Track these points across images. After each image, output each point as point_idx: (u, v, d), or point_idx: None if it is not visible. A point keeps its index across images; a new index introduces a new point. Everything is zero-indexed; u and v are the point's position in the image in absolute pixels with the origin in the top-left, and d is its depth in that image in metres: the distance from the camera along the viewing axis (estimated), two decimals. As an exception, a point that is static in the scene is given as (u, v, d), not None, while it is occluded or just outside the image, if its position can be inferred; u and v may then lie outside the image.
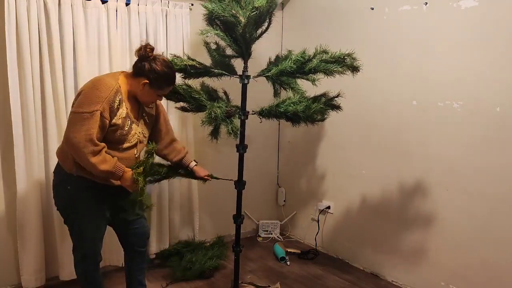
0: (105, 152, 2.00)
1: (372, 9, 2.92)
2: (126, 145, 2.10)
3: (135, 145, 2.14)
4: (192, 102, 2.42)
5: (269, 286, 2.85)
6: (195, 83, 2.60)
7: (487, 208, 2.43)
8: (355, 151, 3.13)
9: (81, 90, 1.99)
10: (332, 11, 3.21)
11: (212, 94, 2.51)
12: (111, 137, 2.03)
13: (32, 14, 2.46)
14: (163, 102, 2.96)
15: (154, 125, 2.31)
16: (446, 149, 2.58)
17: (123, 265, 3.00)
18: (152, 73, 2.03)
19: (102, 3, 2.71)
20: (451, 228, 2.60)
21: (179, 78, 2.59)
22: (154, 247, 3.14)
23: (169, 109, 3.04)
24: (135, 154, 2.15)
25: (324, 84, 2.48)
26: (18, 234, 2.60)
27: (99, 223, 2.19)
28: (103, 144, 1.98)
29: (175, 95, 2.45)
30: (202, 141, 3.25)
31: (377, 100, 2.94)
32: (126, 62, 2.85)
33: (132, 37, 2.83)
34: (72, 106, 2.00)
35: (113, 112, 1.98)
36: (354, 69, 2.32)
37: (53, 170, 2.23)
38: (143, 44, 2.06)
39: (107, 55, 2.77)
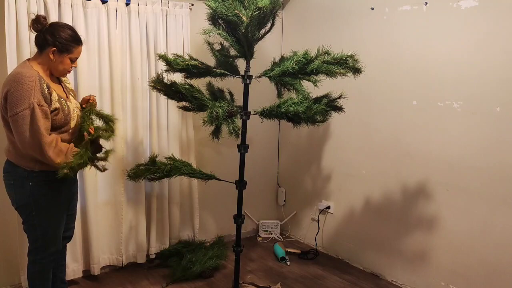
0: (60, 141, 2.02)
1: (372, 9, 2.92)
2: (72, 123, 2.13)
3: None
4: (194, 102, 2.42)
5: (269, 286, 2.85)
6: (198, 82, 2.60)
7: (487, 208, 2.43)
8: (355, 151, 3.13)
9: (6, 92, 1.95)
10: (332, 11, 3.21)
11: (216, 94, 2.52)
12: (58, 122, 2.05)
13: (32, 14, 2.45)
14: (163, 101, 2.99)
15: None
16: (446, 149, 2.58)
17: (123, 265, 3.01)
18: (58, 39, 2.03)
19: (102, 3, 2.71)
20: (451, 228, 2.60)
21: (181, 78, 2.60)
22: (154, 247, 3.13)
23: (170, 108, 3.04)
24: None
25: (323, 84, 2.48)
26: (18, 234, 2.60)
27: (61, 217, 2.19)
28: (53, 136, 2.00)
29: (177, 95, 2.45)
30: (203, 141, 3.25)
31: (377, 100, 2.95)
32: (126, 62, 2.85)
33: (132, 37, 2.83)
34: (6, 111, 1.96)
35: (47, 99, 1.99)
36: (356, 70, 2.33)
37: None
38: (33, 17, 2.05)
39: (107, 55, 2.77)
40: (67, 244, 2.42)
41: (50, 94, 2.01)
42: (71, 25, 2.59)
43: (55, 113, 2.03)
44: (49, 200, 2.11)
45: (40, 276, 2.18)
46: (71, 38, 2.07)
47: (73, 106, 2.17)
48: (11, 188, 2.11)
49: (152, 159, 2.61)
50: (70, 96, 2.20)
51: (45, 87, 1.99)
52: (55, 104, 2.03)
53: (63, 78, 2.25)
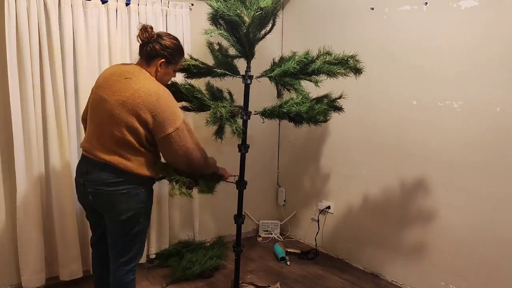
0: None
1: (372, 9, 2.92)
2: None
3: None
4: (194, 102, 2.41)
5: (269, 286, 2.85)
6: (197, 82, 2.60)
7: (487, 208, 2.43)
8: (356, 151, 3.13)
9: (152, 116, 1.91)
10: (332, 11, 3.21)
11: (216, 94, 2.51)
12: None
13: (32, 14, 2.45)
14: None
15: None
16: (446, 148, 2.59)
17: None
18: (166, 50, 2.01)
19: (102, 3, 2.71)
20: (451, 228, 2.60)
21: (181, 78, 2.60)
22: (154, 247, 3.13)
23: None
24: None
25: (323, 84, 2.48)
26: (18, 234, 2.60)
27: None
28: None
29: (177, 95, 2.45)
30: (203, 141, 3.23)
31: (377, 100, 2.95)
32: (126, 62, 2.84)
33: (132, 37, 2.83)
34: (157, 128, 1.94)
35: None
36: (357, 71, 2.33)
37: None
38: (140, 27, 2.01)
39: (107, 55, 2.76)
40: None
41: None
42: (72, 25, 2.61)
43: None
44: (150, 206, 2.17)
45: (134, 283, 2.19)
46: (179, 50, 2.08)
47: None
48: (124, 198, 1.99)
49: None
50: None
51: None
52: None
53: None
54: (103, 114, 1.96)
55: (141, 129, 1.94)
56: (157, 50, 2.00)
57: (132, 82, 1.94)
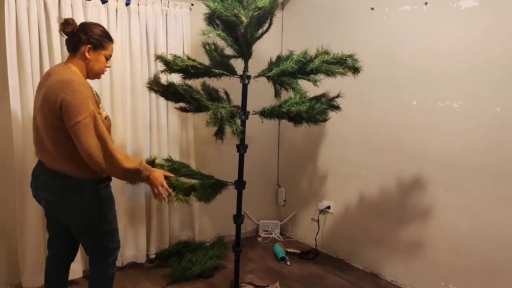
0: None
1: (372, 9, 2.92)
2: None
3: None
4: (192, 103, 2.41)
5: (268, 286, 2.85)
6: (194, 83, 2.60)
7: (487, 208, 2.43)
8: (355, 151, 3.13)
9: (60, 100, 1.85)
10: (332, 11, 3.21)
11: (212, 94, 2.51)
12: None
13: (32, 14, 2.45)
14: (163, 101, 2.98)
15: None
16: (446, 149, 2.58)
17: (123, 266, 3.01)
18: (91, 36, 2.00)
19: (102, 3, 2.71)
20: (451, 228, 2.60)
21: (178, 78, 2.60)
22: (154, 247, 3.13)
23: (170, 108, 3.04)
24: None
25: (322, 84, 2.47)
26: (18, 234, 2.60)
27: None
28: (118, 150, 1.96)
29: (175, 95, 2.45)
30: (202, 141, 3.25)
31: (377, 100, 2.95)
32: (126, 62, 2.85)
33: (132, 37, 2.83)
34: (57, 119, 1.88)
35: (97, 107, 1.97)
36: (355, 70, 2.33)
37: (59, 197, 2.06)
38: (62, 21, 2.02)
39: (107, 55, 2.76)
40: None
41: (99, 102, 2.02)
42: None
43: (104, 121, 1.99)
44: (110, 203, 2.14)
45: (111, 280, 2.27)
46: (104, 34, 2.06)
47: (105, 114, 2.10)
48: (73, 203, 2.01)
49: (151, 162, 2.59)
50: (101, 104, 2.13)
51: (95, 94, 2.01)
52: (104, 112, 2.03)
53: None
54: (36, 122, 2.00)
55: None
56: (81, 38, 1.99)
57: (50, 78, 1.95)
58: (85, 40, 2.00)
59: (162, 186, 2.12)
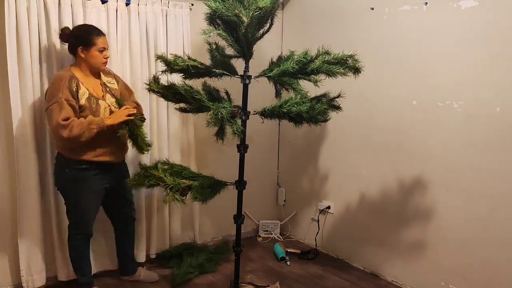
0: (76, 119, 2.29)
1: (372, 9, 2.92)
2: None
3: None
4: (193, 103, 2.41)
5: (268, 286, 2.85)
6: (192, 83, 2.60)
7: (487, 208, 2.43)
8: (355, 151, 3.13)
9: (45, 92, 2.37)
10: (332, 11, 3.21)
11: (213, 94, 2.51)
12: (85, 116, 2.33)
13: (32, 14, 2.45)
14: (163, 101, 2.98)
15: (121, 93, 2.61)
16: (446, 149, 2.58)
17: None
18: (78, 38, 2.36)
19: (102, 3, 2.71)
20: (451, 228, 2.60)
21: (178, 79, 2.59)
22: (154, 248, 3.13)
23: (170, 109, 3.04)
24: None
25: (323, 84, 2.47)
26: (19, 234, 2.60)
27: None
28: (70, 119, 2.25)
29: (176, 96, 2.45)
30: (203, 141, 3.25)
31: (377, 100, 2.95)
32: (126, 62, 2.84)
33: (132, 37, 2.83)
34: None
35: (75, 96, 2.30)
36: (356, 70, 2.33)
37: (53, 170, 2.56)
38: (59, 32, 2.43)
39: (107, 55, 2.77)
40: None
41: (78, 92, 2.31)
42: (72, 25, 2.60)
43: (81, 109, 2.32)
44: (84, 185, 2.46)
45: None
46: (89, 32, 2.38)
47: (107, 103, 2.44)
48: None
49: (153, 166, 2.58)
50: (108, 95, 2.48)
51: (74, 85, 2.31)
52: (82, 101, 2.32)
53: (107, 79, 2.53)
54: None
55: None
56: (72, 42, 2.38)
57: None
58: (76, 43, 2.37)
59: (127, 109, 2.41)
